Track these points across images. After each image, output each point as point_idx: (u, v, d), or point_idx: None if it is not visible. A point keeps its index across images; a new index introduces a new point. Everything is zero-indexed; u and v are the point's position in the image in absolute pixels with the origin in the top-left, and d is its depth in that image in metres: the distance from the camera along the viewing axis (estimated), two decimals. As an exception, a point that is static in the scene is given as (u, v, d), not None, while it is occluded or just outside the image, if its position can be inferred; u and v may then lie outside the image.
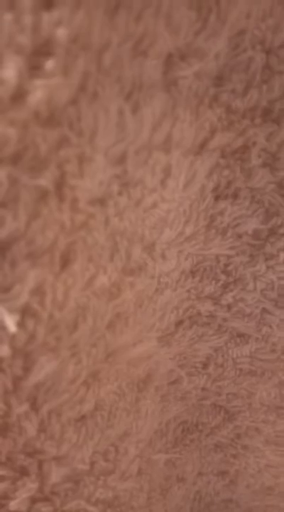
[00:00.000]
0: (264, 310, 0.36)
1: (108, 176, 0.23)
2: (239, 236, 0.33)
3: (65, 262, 0.22)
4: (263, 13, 0.24)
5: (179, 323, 0.34)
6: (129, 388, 0.28)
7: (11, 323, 0.21)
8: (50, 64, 0.18)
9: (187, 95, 0.25)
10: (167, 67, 0.23)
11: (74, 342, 0.24)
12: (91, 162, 0.21)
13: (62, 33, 0.18)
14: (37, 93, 0.18)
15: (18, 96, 0.18)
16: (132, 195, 0.24)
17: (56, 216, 0.21)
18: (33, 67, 0.18)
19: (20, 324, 0.22)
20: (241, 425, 0.40)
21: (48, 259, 0.21)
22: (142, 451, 0.32)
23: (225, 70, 0.26)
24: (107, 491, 0.28)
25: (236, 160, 0.30)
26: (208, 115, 0.26)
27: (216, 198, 0.31)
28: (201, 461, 0.42)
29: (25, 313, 0.22)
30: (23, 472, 0.26)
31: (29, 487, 0.26)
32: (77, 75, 0.19)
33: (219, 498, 0.45)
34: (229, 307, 0.36)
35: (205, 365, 0.37)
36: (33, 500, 0.27)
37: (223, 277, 0.34)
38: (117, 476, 0.29)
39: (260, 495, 0.44)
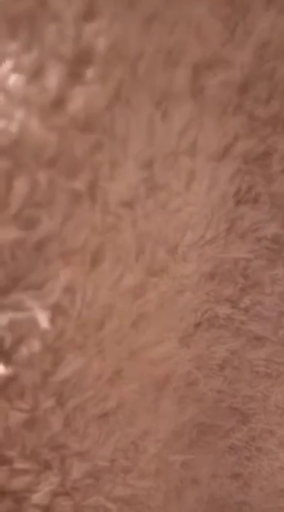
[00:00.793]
0: (281, 313, 0.37)
1: (136, 180, 0.23)
2: (258, 240, 0.33)
3: (95, 261, 0.23)
4: (288, 25, 0.25)
5: (197, 325, 0.34)
6: (150, 387, 0.29)
7: (43, 320, 0.22)
8: (89, 72, 0.19)
9: (213, 103, 0.25)
10: (195, 76, 0.24)
11: (100, 340, 0.24)
12: (122, 166, 0.22)
13: (101, 43, 0.19)
14: (77, 100, 0.19)
15: (59, 103, 0.19)
16: (158, 198, 0.25)
17: (88, 217, 0.22)
18: (74, 76, 0.19)
19: (51, 321, 0.23)
20: (256, 428, 0.40)
21: (80, 258, 0.22)
22: (160, 451, 0.32)
23: (249, 79, 0.27)
24: (126, 488, 0.29)
25: (257, 166, 0.30)
26: (231, 122, 0.27)
27: (237, 203, 0.31)
28: (216, 463, 0.42)
29: (56, 310, 0.23)
30: (47, 466, 0.26)
31: (51, 481, 0.27)
32: (112, 83, 0.20)
33: (233, 500, 0.45)
34: (247, 310, 0.36)
35: (222, 367, 0.38)
36: (55, 495, 0.28)
37: (241, 280, 0.35)
38: (136, 475, 0.29)
39: (274, 497, 0.44)
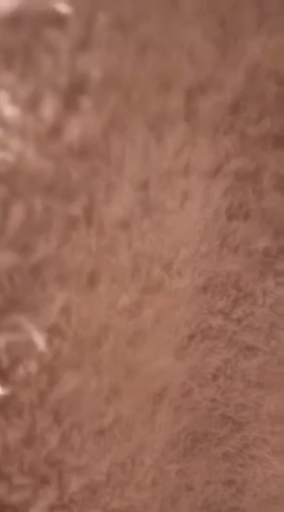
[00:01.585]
0: (273, 324, 0.37)
1: (132, 201, 0.24)
2: (250, 253, 0.34)
3: (91, 283, 0.23)
4: (278, 49, 0.26)
5: (191, 336, 0.35)
6: (146, 402, 0.29)
7: (40, 341, 0.22)
8: (84, 101, 0.19)
9: (205, 124, 0.26)
10: (188, 98, 0.24)
11: (97, 359, 0.25)
12: (118, 189, 0.22)
13: (96, 73, 0.19)
14: (73, 129, 0.19)
15: (55, 132, 0.19)
16: (153, 218, 0.25)
17: (84, 241, 0.22)
18: (69, 105, 0.19)
19: (48, 342, 0.23)
20: (249, 436, 0.41)
21: (75, 280, 0.22)
22: (156, 461, 0.33)
23: (240, 100, 0.27)
24: (123, 501, 0.29)
25: (248, 182, 0.31)
26: (224, 141, 0.28)
27: (229, 218, 0.32)
28: (209, 470, 0.43)
29: (53, 331, 0.23)
30: (44, 481, 0.27)
31: (49, 495, 0.27)
32: (107, 111, 0.20)
33: (226, 506, 0.46)
34: (239, 321, 0.37)
35: (215, 377, 0.38)
36: (52, 508, 0.28)
37: (234, 293, 0.35)
38: (133, 487, 0.30)
39: (267, 504, 0.45)
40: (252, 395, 0.41)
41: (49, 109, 0.19)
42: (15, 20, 0.18)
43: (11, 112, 0.18)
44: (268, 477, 0.46)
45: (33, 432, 0.26)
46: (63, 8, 0.18)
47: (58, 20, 0.18)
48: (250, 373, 0.40)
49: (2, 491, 0.27)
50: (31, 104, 0.18)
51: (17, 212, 0.20)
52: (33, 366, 0.23)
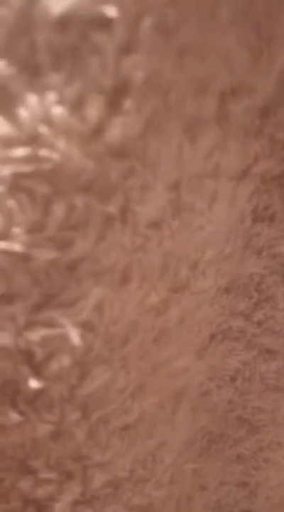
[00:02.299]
0: (293, 328, 0.37)
1: (164, 201, 0.24)
2: (273, 256, 0.34)
3: (123, 280, 0.24)
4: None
5: (212, 337, 0.35)
6: (168, 400, 0.30)
7: (74, 336, 0.23)
8: (126, 103, 0.20)
9: (236, 127, 0.26)
10: (221, 103, 0.24)
11: (125, 355, 0.25)
12: (152, 189, 0.23)
13: (138, 75, 0.20)
14: (114, 129, 0.20)
15: (98, 132, 0.19)
16: (183, 218, 0.25)
17: (119, 238, 0.22)
18: (112, 106, 0.20)
19: (81, 337, 0.23)
20: (264, 439, 0.41)
21: (109, 277, 0.23)
22: (174, 460, 0.33)
23: (270, 104, 0.28)
24: (143, 497, 0.30)
25: (274, 185, 0.31)
26: (253, 145, 0.28)
27: (254, 220, 0.32)
28: (224, 471, 0.43)
29: (86, 327, 0.23)
30: (69, 476, 0.27)
31: (73, 490, 0.28)
32: (146, 113, 0.21)
33: (239, 508, 0.46)
34: (259, 324, 0.37)
35: (233, 379, 0.38)
36: (76, 503, 0.29)
37: (255, 295, 0.35)
38: (153, 484, 0.30)
39: (280, 508, 0.45)
40: (269, 398, 0.41)
41: (93, 109, 0.19)
42: (63, 23, 0.18)
43: (57, 111, 0.19)
44: (281, 480, 0.46)
45: (62, 426, 0.26)
46: (110, 12, 0.18)
47: (105, 24, 0.19)
48: (268, 376, 0.40)
49: (28, 486, 0.27)
50: (77, 105, 0.19)
51: (58, 210, 0.20)
52: (65, 361, 0.24)
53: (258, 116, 0.28)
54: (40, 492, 0.27)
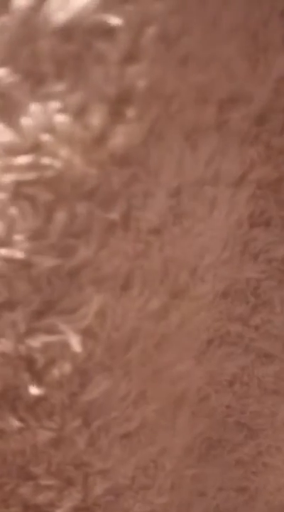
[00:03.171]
0: (290, 332, 0.38)
1: (165, 208, 0.24)
2: (269, 261, 0.34)
3: (125, 287, 0.24)
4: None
5: (210, 342, 0.35)
6: (168, 406, 0.30)
7: (75, 343, 0.22)
8: (129, 111, 0.20)
9: (234, 135, 0.27)
10: (221, 111, 0.25)
11: (127, 361, 0.25)
12: (154, 196, 0.23)
13: (141, 84, 0.20)
14: (117, 138, 0.20)
15: (100, 140, 0.20)
16: (184, 224, 0.26)
17: (121, 245, 0.23)
18: (115, 115, 0.20)
19: (82, 344, 0.23)
20: (263, 443, 0.41)
21: (111, 284, 0.23)
22: (175, 466, 0.33)
23: (266, 112, 0.28)
24: (145, 505, 0.29)
25: (270, 191, 0.32)
26: (249, 151, 0.28)
27: (251, 226, 0.33)
28: (223, 476, 0.43)
29: (87, 333, 0.23)
30: (70, 483, 0.27)
31: (74, 497, 0.27)
32: (149, 121, 0.21)
33: (237, 513, 0.46)
34: (257, 328, 0.37)
35: (231, 383, 0.39)
36: (76, 510, 0.28)
37: (252, 299, 0.36)
38: (155, 491, 0.30)
39: (279, 512, 0.45)
40: (268, 402, 0.41)
41: (96, 118, 0.19)
42: (67, 31, 0.19)
43: (60, 120, 0.19)
44: (280, 485, 0.46)
45: (62, 433, 0.26)
46: (113, 21, 0.19)
47: (108, 33, 0.19)
48: (266, 381, 0.40)
49: (28, 492, 0.27)
50: (80, 113, 0.19)
51: (60, 217, 0.20)
52: (66, 368, 0.24)
53: (255, 124, 0.28)
54: (41, 498, 0.26)
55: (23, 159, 0.19)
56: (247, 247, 0.34)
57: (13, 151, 0.19)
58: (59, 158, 0.19)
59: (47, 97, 0.19)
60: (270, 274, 0.37)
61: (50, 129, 0.19)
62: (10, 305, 0.22)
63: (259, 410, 0.42)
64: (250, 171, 0.31)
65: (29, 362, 0.23)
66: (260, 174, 0.32)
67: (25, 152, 0.19)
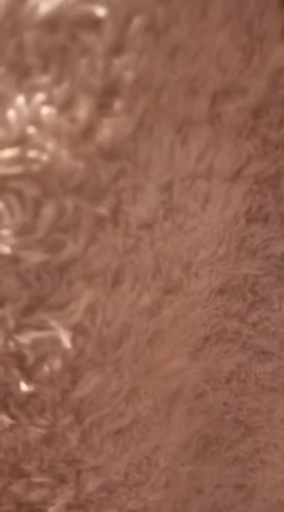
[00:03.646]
0: (288, 329, 0.37)
1: (156, 203, 0.24)
2: (268, 257, 0.34)
3: (115, 282, 0.23)
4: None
5: (206, 339, 0.35)
6: (162, 403, 0.29)
7: (65, 339, 0.22)
8: (116, 104, 0.19)
9: (229, 128, 0.26)
10: (213, 103, 0.24)
11: (118, 357, 0.25)
12: (144, 190, 0.23)
13: (128, 76, 0.19)
14: (105, 130, 0.19)
15: (87, 132, 0.19)
16: (175, 219, 0.25)
17: (110, 240, 0.22)
18: (102, 107, 0.19)
19: (72, 340, 0.23)
20: (260, 440, 0.41)
21: (101, 279, 0.23)
22: (170, 463, 0.33)
23: (263, 105, 0.27)
24: (138, 502, 0.29)
25: (268, 186, 0.31)
26: (246, 145, 0.28)
27: (248, 221, 0.32)
28: (220, 473, 0.43)
29: (77, 329, 0.23)
30: (62, 480, 0.27)
31: (66, 494, 0.27)
32: (137, 113, 0.21)
33: (235, 510, 0.46)
34: (254, 325, 0.37)
35: (228, 380, 0.38)
36: (69, 507, 0.28)
37: (250, 296, 0.35)
38: (148, 488, 0.30)
39: (276, 509, 0.45)
40: (265, 399, 0.41)
41: (83, 110, 0.19)
42: (52, 23, 0.18)
43: (46, 112, 0.19)
44: (277, 482, 0.45)
45: (54, 430, 0.26)
46: (99, 12, 0.18)
47: (94, 24, 0.18)
48: (263, 378, 0.40)
49: (20, 489, 0.27)
50: (66, 106, 0.19)
51: (48, 212, 0.20)
52: (57, 364, 0.23)
53: (251, 117, 0.27)
54: (34, 495, 0.26)
55: (8, 153, 0.19)
56: (244, 243, 0.34)
57: (-1, 144, 0.19)
58: (46, 152, 0.19)
59: (32, 90, 0.18)
60: (268, 271, 0.36)
61: (36, 121, 0.19)
62: (-1, 301, 0.22)
63: (256, 407, 0.41)
64: (246, 165, 0.30)
65: (19, 358, 0.22)
66: (257, 169, 0.31)
67: (11, 145, 0.19)
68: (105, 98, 0.20)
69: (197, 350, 0.34)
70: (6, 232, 0.20)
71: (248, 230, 0.33)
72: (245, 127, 0.28)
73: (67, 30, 0.18)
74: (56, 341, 0.22)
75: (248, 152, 0.29)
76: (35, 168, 0.19)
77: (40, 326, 0.22)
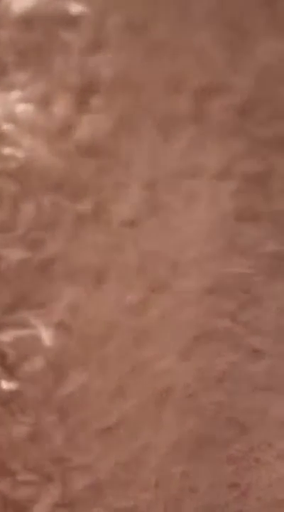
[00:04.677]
0: (280, 328, 0.37)
1: (139, 200, 0.24)
2: (259, 256, 0.34)
3: (98, 280, 0.23)
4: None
5: (197, 338, 0.35)
6: (151, 402, 0.29)
7: (47, 337, 0.22)
8: (95, 101, 0.19)
9: (214, 126, 0.26)
10: (197, 101, 0.24)
11: (103, 356, 0.25)
12: (126, 188, 0.23)
13: (106, 73, 0.19)
14: (83, 127, 0.19)
15: (66, 130, 0.19)
16: (160, 217, 0.25)
17: (92, 238, 0.22)
18: (80, 104, 0.19)
19: (54, 338, 0.23)
20: (254, 439, 0.41)
21: (83, 277, 0.23)
22: (160, 462, 0.33)
23: (250, 102, 0.27)
24: (127, 500, 0.29)
25: (256, 184, 0.31)
26: (233, 143, 0.28)
27: (237, 220, 0.32)
28: (214, 473, 0.43)
29: (59, 327, 0.23)
30: (48, 478, 0.27)
31: (53, 493, 0.27)
32: (117, 110, 0.21)
33: (230, 509, 0.45)
34: (246, 324, 0.37)
35: (221, 380, 0.38)
36: (56, 505, 0.28)
37: (241, 295, 0.35)
38: (137, 487, 0.30)
39: (271, 508, 0.45)
40: (258, 398, 0.40)
41: (60, 107, 0.19)
42: (28, 20, 0.18)
43: (22, 109, 0.19)
44: (272, 481, 0.45)
45: (38, 428, 0.26)
46: (76, 9, 0.18)
47: (71, 21, 0.18)
48: (256, 377, 0.40)
49: (6, 487, 0.27)
50: (43, 103, 0.19)
51: (27, 209, 0.20)
52: (39, 362, 0.23)
53: (238, 114, 0.27)
54: (19, 494, 0.26)
55: (-14, 151, 0.19)
56: (234, 242, 0.34)
57: (-23, 142, 0.19)
58: (22, 149, 0.19)
59: (8, 87, 0.18)
60: (259, 270, 0.36)
61: (12, 118, 0.19)
62: (-18, 299, 0.22)
63: (250, 406, 0.41)
64: (233, 163, 0.30)
65: (0, 357, 0.22)
66: (245, 167, 0.31)
67: (-11, 143, 0.19)
68: (83, 95, 0.20)
69: (187, 349, 0.34)
70: (-15, 230, 0.21)
71: (238, 229, 0.33)
72: (232, 125, 0.28)
73: (43, 27, 0.18)
74: (37, 339, 0.22)
75: (236, 150, 0.29)
76: (12, 165, 0.19)
77: (21, 324, 0.22)
